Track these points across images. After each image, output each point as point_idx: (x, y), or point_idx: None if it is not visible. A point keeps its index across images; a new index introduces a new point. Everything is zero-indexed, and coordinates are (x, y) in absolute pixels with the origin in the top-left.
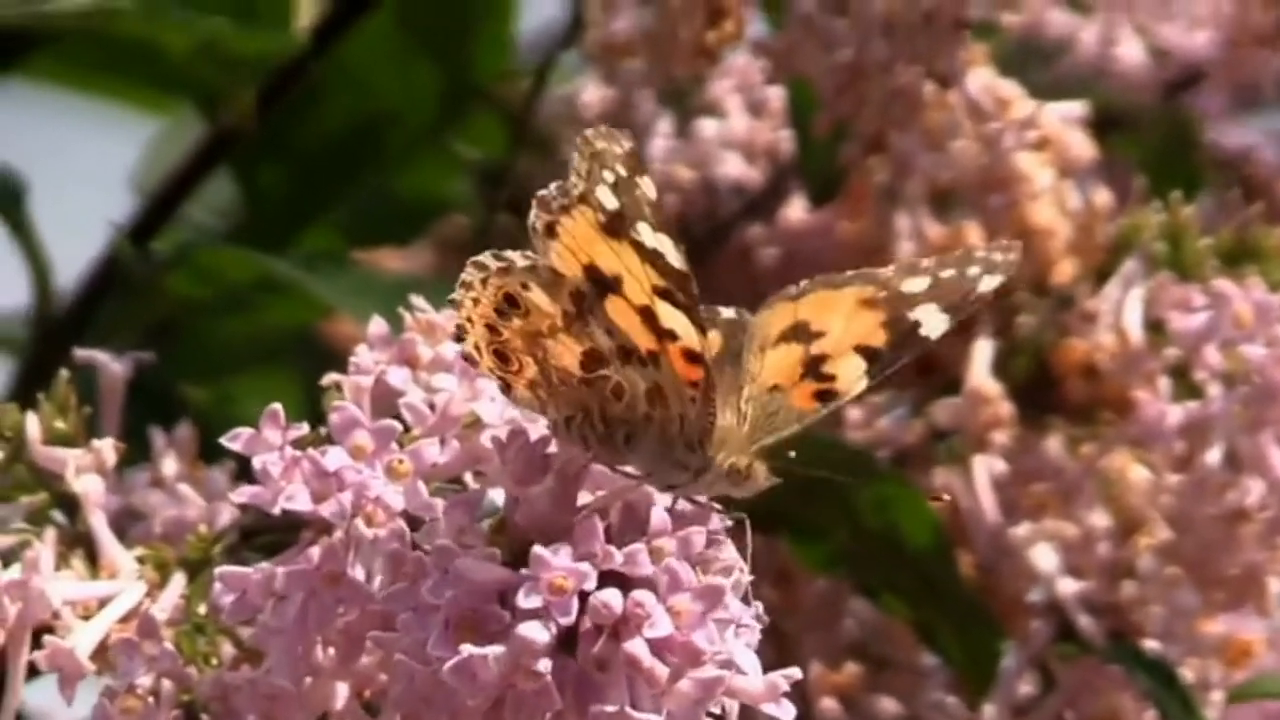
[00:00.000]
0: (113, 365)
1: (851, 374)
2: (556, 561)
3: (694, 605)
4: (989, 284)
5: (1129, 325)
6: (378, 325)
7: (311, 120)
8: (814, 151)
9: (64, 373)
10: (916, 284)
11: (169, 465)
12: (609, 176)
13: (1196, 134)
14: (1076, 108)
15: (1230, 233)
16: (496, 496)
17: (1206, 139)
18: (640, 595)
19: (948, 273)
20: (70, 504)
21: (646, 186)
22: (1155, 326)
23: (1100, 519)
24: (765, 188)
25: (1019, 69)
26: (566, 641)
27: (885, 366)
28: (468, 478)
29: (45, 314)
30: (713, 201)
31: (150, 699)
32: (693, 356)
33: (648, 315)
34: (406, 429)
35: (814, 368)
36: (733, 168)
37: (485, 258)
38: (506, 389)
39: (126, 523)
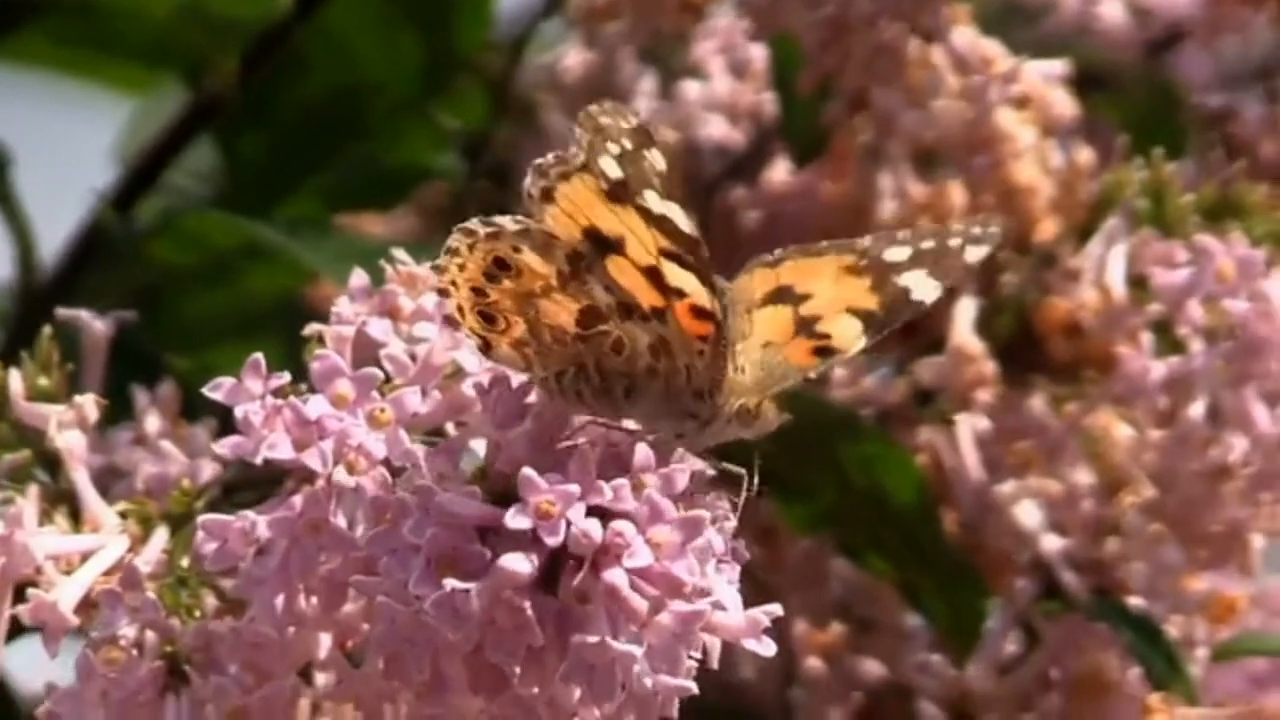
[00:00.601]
0: (95, 324)
1: (848, 333)
2: (546, 485)
3: (674, 536)
4: (975, 253)
5: (1112, 282)
6: (359, 277)
7: (294, 88)
8: (797, 112)
9: (47, 330)
10: (898, 253)
11: (152, 423)
12: (613, 149)
13: (1179, 93)
14: (1058, 66)
15: (1213, 189)
16: (479, 448)
17: (1190, 97)
18: (620, 525)
19: (926, 244)
20: (53, 462)
21: (655, 159)
22: (1138, 283)
23: (1084, 476)
24: (748, 149)
25: (1001, 28)
26: (548, 579)
27: (881, 328)
28: (450, 428)
29: (29, 284)
30: (696, 163)
31: (134, 650)
32: (701, 312)
33: (653, 274)
34: (388, 380)
35: (807, 326)
36: (716, 129)
37: (474, 224)
38: (486, 348)
39: (109, 481)
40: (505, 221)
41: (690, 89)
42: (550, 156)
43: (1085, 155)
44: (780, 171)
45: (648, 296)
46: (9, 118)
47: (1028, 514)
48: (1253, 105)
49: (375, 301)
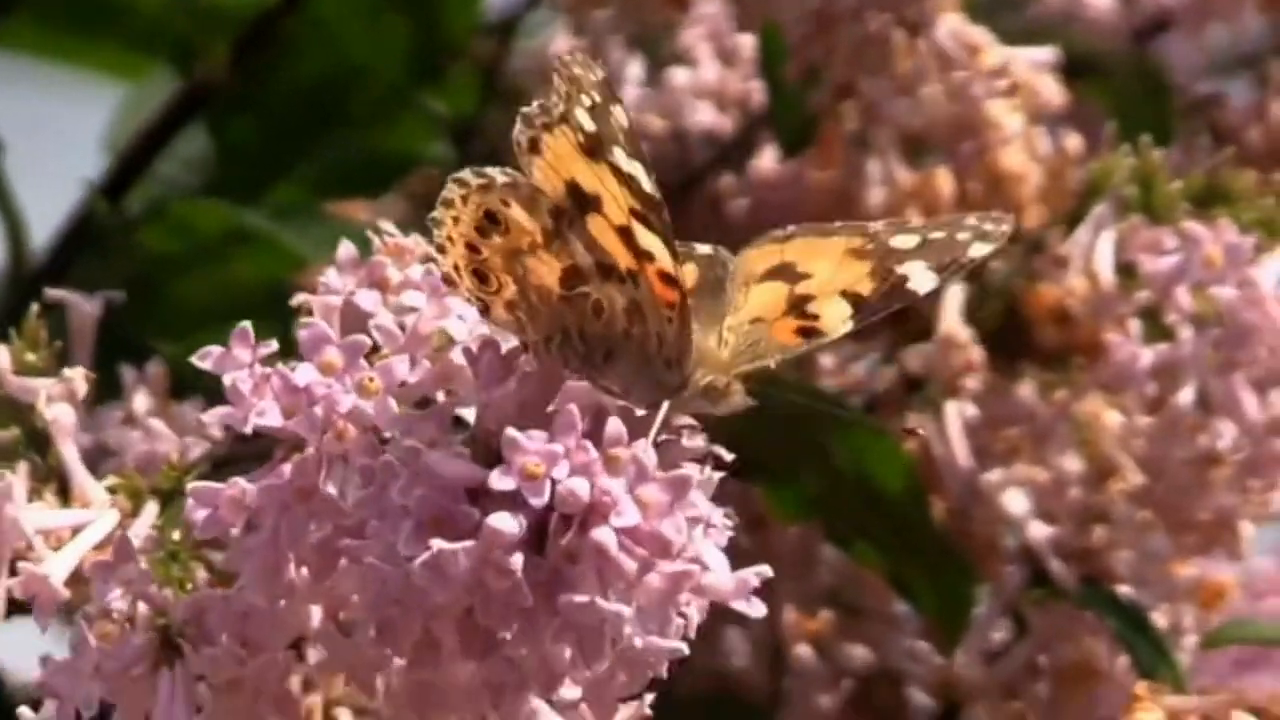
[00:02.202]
0: (83, 304)
1: (836, 316)
2: (530, 445)
3: (661, 495)
4: (979, 250)
5: (1100, 268)
6: (346, 249)
7: (283, 74)
8: (785, 100)
9: (34, 308)
10: (906, 240)
11: (141, 401)
12: (585, 100)
13: (1166, 79)
14: (1046, 53)
15: (1201, 176)
16: (468, 416)
17: (1174, 84)
18: (607, 483)
19: (937, 234)
20: (41, 440)
21: (619, 115)
22: (1126, 270)
23: (1072, 463)
24: (736, 137)
25: (989, 14)
26: (537, 540)
27: (870, 314)
28: (440, 397)
29: (21, 271)
30: (684, 151)
31: (126, 624)
32: (668, 279)
33: (626, 235)
34: (376, 350)
35: (798, 306)
36: (704, 116)
37: (466, 174)
38: (485, 310)
39: (98, 460)
40: (494, 173)
41: (678, 76)
42: (535, 105)
43: (1073, 142)
44: (768, 159)
45: (623, 258)
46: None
47: (1015, 501)
48: (1240, 91)
49: (363, 273)
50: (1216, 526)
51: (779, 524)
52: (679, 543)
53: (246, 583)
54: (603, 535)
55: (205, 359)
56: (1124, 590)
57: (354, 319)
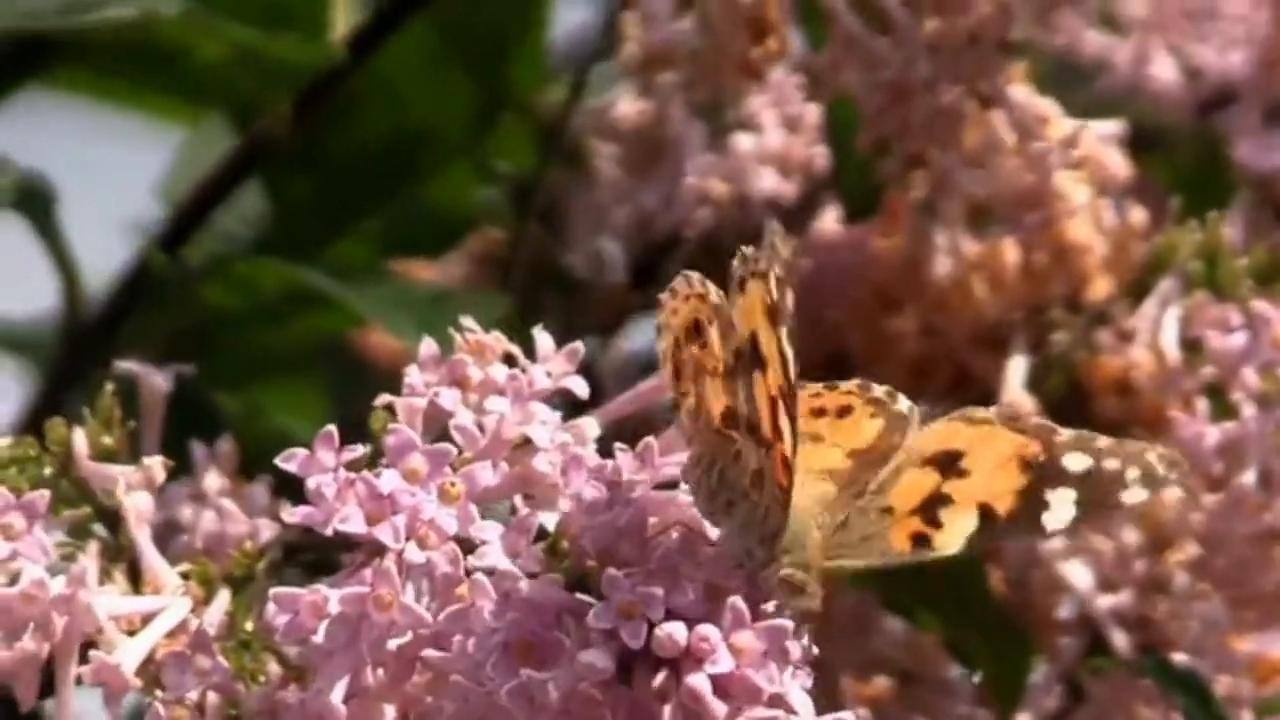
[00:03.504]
0: (154, 378)
1: (958, 531)
2: (628, 584)
3: (756, 644)
4: (1135, 496)
5: (1166, 344)
6: (428, 346)
7: (344, 131)
8: (851, 168)
9: (108, 386)
10: (1078, 462)
11: (211, 480)
12: (778, 269)
13: (1226, 153)
14: (1113, 126)
15: (1265, 252)
16: (545, 520)
17: (1237, 158)
18: (705, 630)
19: (1111, 464)
20: (111, 518)
21: (789, 300)
22: (1191, 345)
23: (1131, 534)
24: (799, 203)
25: (1055, 87)
26: (622, 670)
27: (991, 539)
28: (517, 501)
29: (74, 321)
30: (746, 216)
31: (196, 712)
32: (786, 464)
33: (773, 407)
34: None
35: (931, 506)
36: (767, 183)
37: (695, 277)
38: (676, 407)
39: (165, 536)
40: (712, 290)
41: (743, 141)
42: (754, 249)
43: (1138, 215)
44: (829, 222)
45: (768, 426)
46: (51, 149)
47: (1077, 572)
48: None
49: (444, 371)
50: (1276, 601)
51: (836, 590)
52: (769, 691)
53: (323, 685)
54: (698, 682)
55: (290, 461)
56: (1181, 660)
57: (432, 415)
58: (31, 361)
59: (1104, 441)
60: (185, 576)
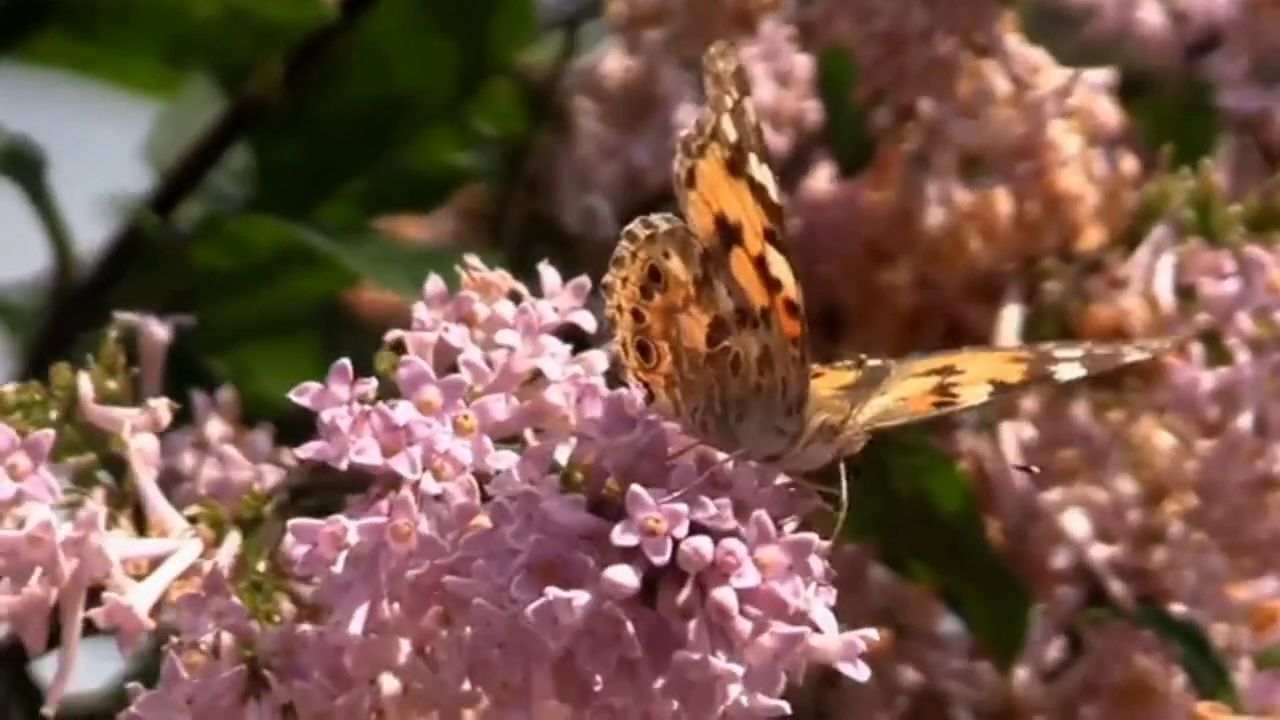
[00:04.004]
0: (154, 328)
1: (975, 394)
2: (654, 502)
3: (781, 558)
4: (1135, 356)
5: (1160, 291)
6: (434, 284)
7: (331, 94)
8: (844, 121)
9: (112, 333)
10: (1069, 352)
11: (214, 428)
12: (728, 101)
13: (1214, 98)
14: (1104, 75)
15: (1257, 199)
16: (558, 454)
17: (1222, 101)
18: (731, 544)
19: (1102, 350)
20: (116, 464)
21: (749, 109)
22: (1184, 293)
23: (1127, 485)
24: (790, 158)
25: (1042, 34)
26: (646, 591)
27: (1007, 393)
28: (528, 434)
29: (66, 284)
30: None
31: (212, 655)
32: (793, 309)
33: (761, 266)
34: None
35: (943, 389)
36: None
37: (636, 226)
38: (649, 397)
39: (167, 485)
40: (658, 221)
41: None
42: (692, 125)
43: (1129, 164)
44: (820, 180)
45: (758, 295)
46: (29, 122)
47: (1074, 522)
48: None
49: (451, 308)
50: (1272, 549)
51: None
52: (795, 605)
53: (342, 618)
54: (725, 596)
55: (303, 395)
56: (1179, 610)
57: (439, 352)
58: (16, 328)
59: (1089, 343)
60: (192, 520)
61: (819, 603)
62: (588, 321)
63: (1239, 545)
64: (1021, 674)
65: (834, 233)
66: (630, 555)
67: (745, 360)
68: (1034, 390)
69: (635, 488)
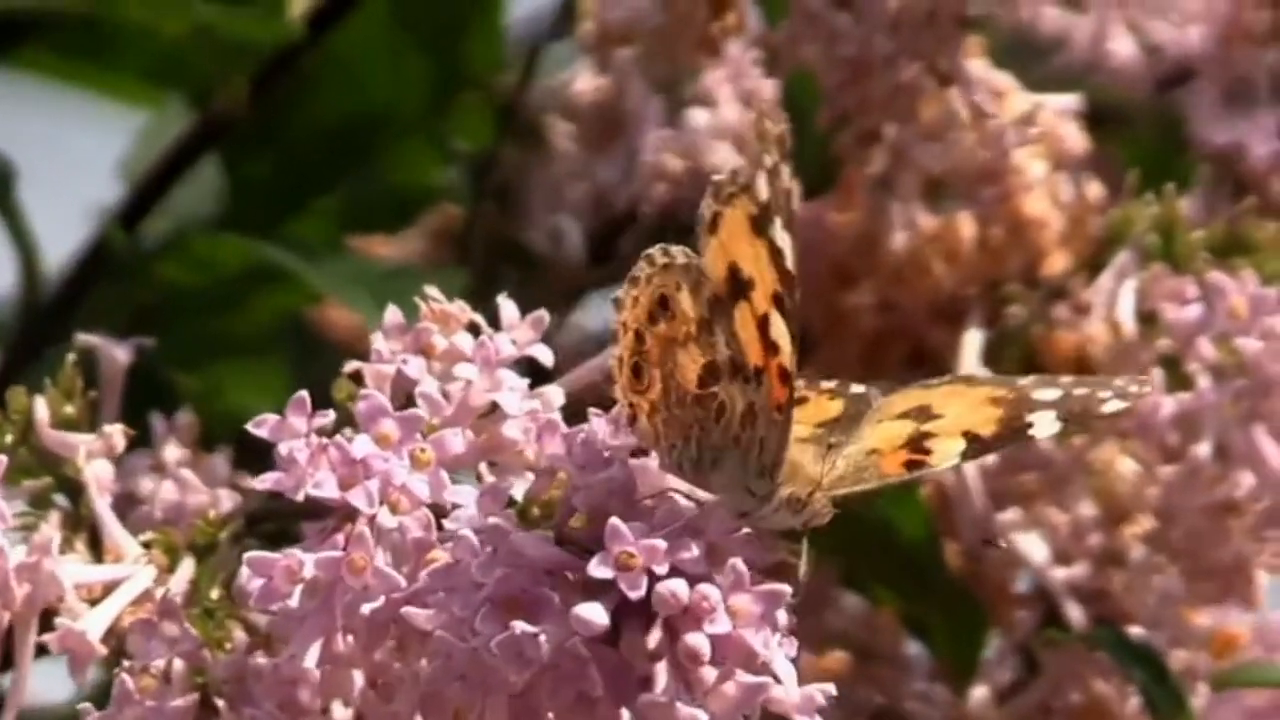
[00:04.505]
0: (114, 350)
1: (948, 451)
2: (630, 536)
3: (753, 607)
4: (1113, 406)
5: (1122, 316)
6: (393, 314)
7: (302, 111)
8: (808, 144)
9: (70, 357)
10: (1048, 393)
11: (171, 451)
12: (768, 160)
13: (1183, 130)
14: (1071, 101)
15: (1222, 226)
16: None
17: (1195, 134)
18: (707, 589)
19: (1080, 390)
20: (72, 488)
21: (785, 175)
22: (1146, 318)
23: (1087, 508)
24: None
25: (1013, 63)
26: (610, 630)
27: (983, 452)
28: (482, 469)
29: (32, 299)
30: (700, 192)
31: (163, 680)
32: (785, 376)
33: (763, 326)
34: None
35: (917, 442)
36: (723, 158)
37: (655, 252)
38: (632, 419)
39: (124, 507)
40: (676, 253)
41: (698, 117)
42: (727, 173)
43: (1094, 189)
44: None
45: (755, 353)
46: (10, 130)
47: (1031, 545)
48: (1261, 141)
49: (409, 339)
50: (1231, 574)
51: (795, 566)
52: (764, 656)
53: (296, 650)
54: (697, 641)
55: (261, 427)
56: (1138, 633)
57: (396, 383)
58: None
59: (1066, 378)
60: (147, 545)
61: (781, 653)
62: (545, 355)
63: (1199, 570)
64: (977, 694)
65: (800, 253)
66: (596, 592)
67: (730, 410)
68: (1006, 445)
69: (614, 521)
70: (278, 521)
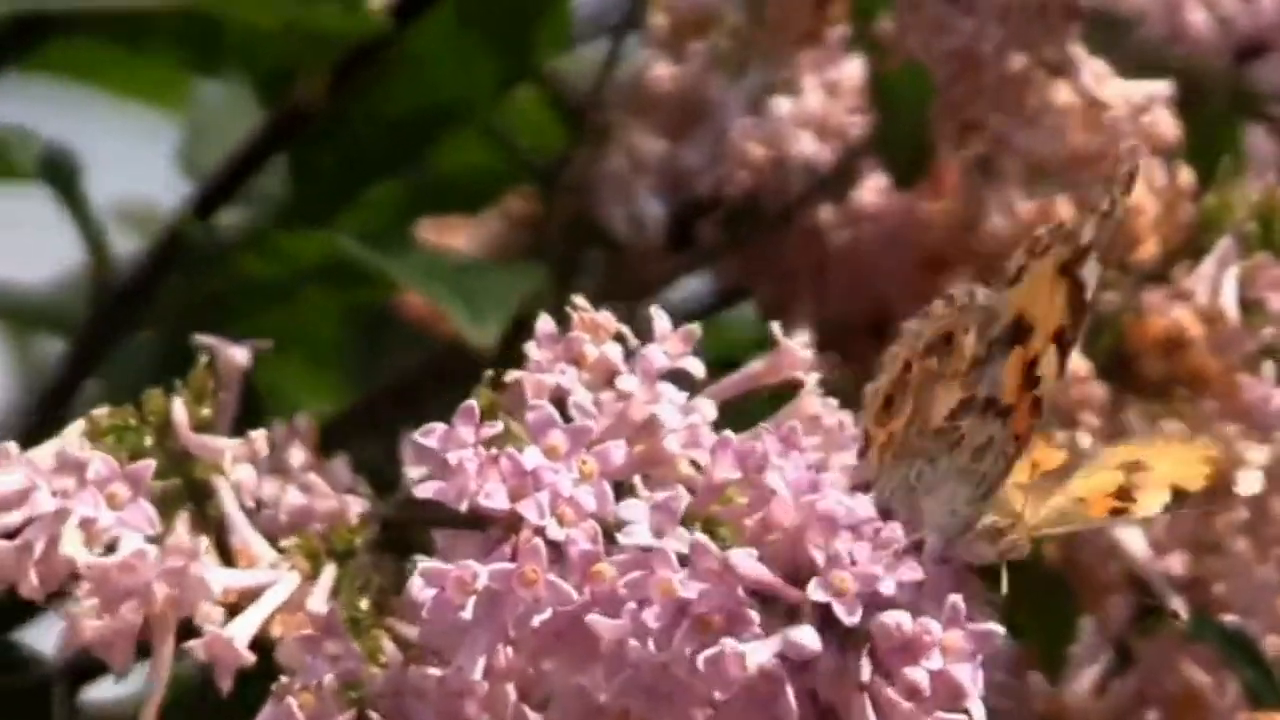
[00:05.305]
0: (232, 351)
1: (1153, 502)
2: (848, 560)
3: (965, 644)
4: None
5: (1226, 305)
6: (545, 323)
7: (368, 102)
8: (899, 133)
9: (203, 359)
10: (1258, 455)
11: (295, 455)
12: (1104, 204)
13: (1258, 105)
14: (1163, 87)
15: None
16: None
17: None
18: (929, 623)
19: None
20: (200, 490)
21: (1120, 209)
22: (1247, 307)
23: None
24: (834, 168)
25: (1094, 39)
26: None
27: (1183, 506)
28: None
29: (102, 289)
30: (784, 180)
31: (319, 695)
32: (1037, 406)
33: (1030, 366)
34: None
35: (1124, 493)
36: (806, 146)
37: (958, 293)
38: (863, 451)
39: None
40: (980, 296)
41: (782, 105)
42: (1046, 229)
43: (1186, 176)
44: (870, 192)
45: (1011, 390)
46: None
47: (1130, 533)
48: None
49: (561, 348)
50: None
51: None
52: (971, 694)
53: (465, 663)
54: (918, 676)
55: (429, 436)
56: (1231, 621)
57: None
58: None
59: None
60: (281, 551)
61: (979, 691)
62: (697, 368)
63: None
64: (1075, 685)
65: (888, 242)
66: (798, 617)
67: (967, 444)
68: (1213, 503)
69: (836, 543)
70: (404, 530)
